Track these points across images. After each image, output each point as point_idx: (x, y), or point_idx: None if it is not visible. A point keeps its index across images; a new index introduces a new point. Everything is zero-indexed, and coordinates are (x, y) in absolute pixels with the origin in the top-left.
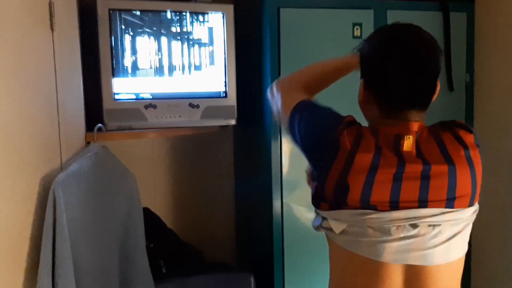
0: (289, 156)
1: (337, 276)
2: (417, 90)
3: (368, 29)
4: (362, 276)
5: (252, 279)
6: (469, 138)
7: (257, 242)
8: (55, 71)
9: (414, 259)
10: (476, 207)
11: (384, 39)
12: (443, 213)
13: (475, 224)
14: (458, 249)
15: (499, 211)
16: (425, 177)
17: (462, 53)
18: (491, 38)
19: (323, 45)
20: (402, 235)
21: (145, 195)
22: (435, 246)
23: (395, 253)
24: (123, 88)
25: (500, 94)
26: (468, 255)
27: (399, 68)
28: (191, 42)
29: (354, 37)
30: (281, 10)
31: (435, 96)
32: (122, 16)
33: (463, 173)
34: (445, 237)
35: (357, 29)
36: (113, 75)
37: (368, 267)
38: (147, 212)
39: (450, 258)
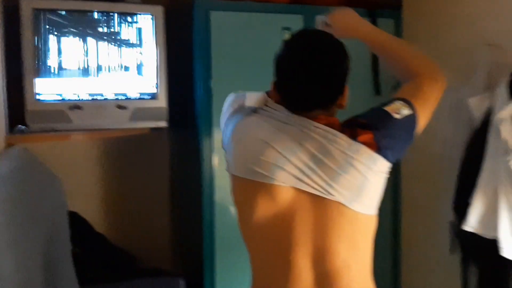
0: (221, 158)
1: None
2: (306, 93)
3: None
4: None
5: (183, 284)
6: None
7: (191, 245)
8: None
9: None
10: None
11: (286, 44)
12: None
13: (405, 223)
14: None
15: (426, 212)
16: None
17: None
18: (418, 44)
19: (253, 48)
20: None
21: (75, 199)
22: None
23: None
24: (47, 89)
25: None
26: (399, 255)
27: (290, 70)
28: (119, 43)
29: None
30: (211, 13)
31: (343, 100)
32: (47, 16)
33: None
34: None
35: (287, 33)
36: (37, 75)
37: None
38: (75, 217)
39: None
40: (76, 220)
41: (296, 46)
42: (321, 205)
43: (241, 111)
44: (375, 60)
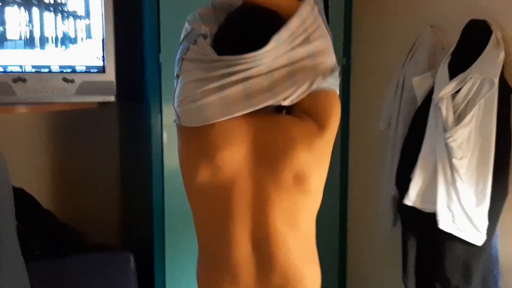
0: (170, 133)
1: None
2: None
3: None
4: None
5: (132, 259)
6: None
7: (140, 221)
8: None
9: None
10: None
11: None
12: None
13: (351, 196)
14: None
15: (371, 186)
16: None
17: (339, 37)
18: (367, 23)
19: None
20: None
21: (19, 175)
22: None
23: None
24: None
25: (375, 77)
26: (345, 227)
27: (226, 34)
28: (65, 14)
29: None
30: None
31: None
32: None
33: None
34: None
35: None
36: None
37: None
38: (20, 193)
39: None
40: (22, 197)
41: (233, 15)
42: (260, 179)
43: (186, 39)
44: None
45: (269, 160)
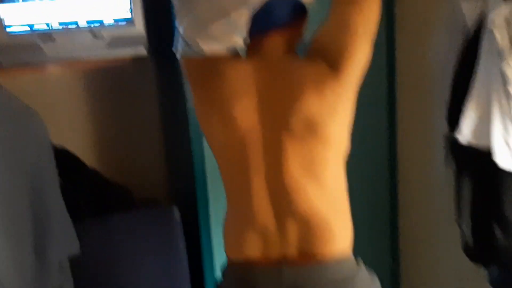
0: None
1: None
2: None
3: None
4: None
5: (176, 212)
6: None
7: (183, 173)
8: None
9: None
10: None
11: None
12: None
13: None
14: None
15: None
16: None
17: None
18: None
19: None
20: None
21: (61, 135)
22: None
23: None
24: (15, 19)
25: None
26: (395, 170)
27: None
28: None
29: None
30: None
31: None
32: None
33: None
34: None
35: None
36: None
37: None
38: (64, 153)
39: None
40: (66, 157)
41: None
42: (273, 128)
43: None
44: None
45: (279, 108)
